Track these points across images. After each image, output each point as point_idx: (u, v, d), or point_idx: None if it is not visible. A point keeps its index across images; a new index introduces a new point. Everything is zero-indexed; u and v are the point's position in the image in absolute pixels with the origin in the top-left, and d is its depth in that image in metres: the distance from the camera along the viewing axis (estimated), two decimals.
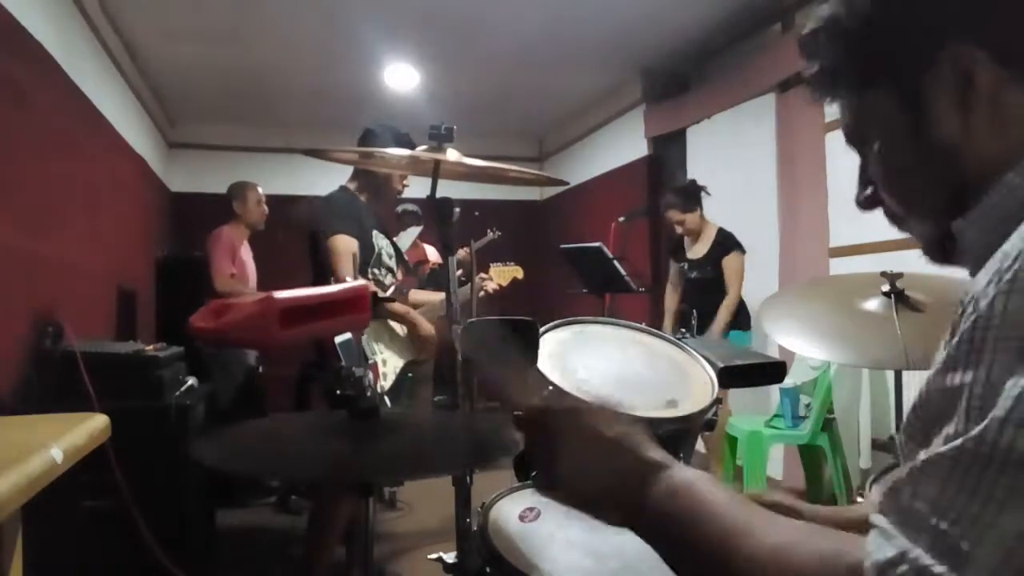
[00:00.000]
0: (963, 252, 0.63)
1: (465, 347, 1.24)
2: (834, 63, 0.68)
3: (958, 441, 0.46)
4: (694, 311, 3.49)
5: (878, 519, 0.49)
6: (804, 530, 0.55)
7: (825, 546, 0.51)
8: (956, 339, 0.50)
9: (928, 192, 0.65)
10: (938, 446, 0.48)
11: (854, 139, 0.71)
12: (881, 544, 0.47)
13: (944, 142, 0.62)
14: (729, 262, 3.72)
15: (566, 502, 0.68)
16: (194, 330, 0.99)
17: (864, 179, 0.73)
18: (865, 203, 0.73)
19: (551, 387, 1.27)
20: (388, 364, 2.59)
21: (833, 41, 0.68)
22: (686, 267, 3.93)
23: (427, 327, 2.64)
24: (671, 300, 4.06)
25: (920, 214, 0.68)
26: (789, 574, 0.51)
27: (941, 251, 0.67)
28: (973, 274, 0.59)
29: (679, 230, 3.88)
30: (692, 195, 3.84)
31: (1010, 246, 0.51)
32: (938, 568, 0.44)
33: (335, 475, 1.13)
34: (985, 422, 0.45)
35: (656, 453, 0.64)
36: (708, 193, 3.87)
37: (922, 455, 0.48)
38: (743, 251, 3.76)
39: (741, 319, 3.72)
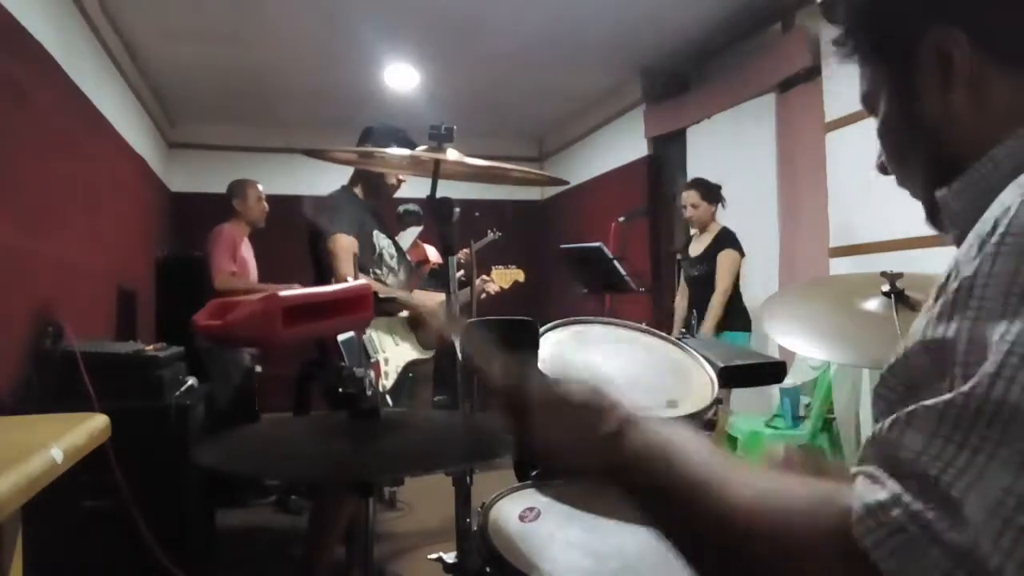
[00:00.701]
0: (948, 222, 0.66)
1: (464, 347, 1.24)
2: (848, 30, 0.72)
3: (947, 396, 0.46)
4: (694, 311, 3.49)
5: (864, 468, 0.49)
6: (790, 478, 0.54)
7: (814, 491, 0.51)
8: (940, 300, 0.50)
9: (916, 163, 0.69)
10: (919, 399, 0.47)
11: (866, 103, 0.74)
12: (871, 487, 0.46)
13: (927, 118, 0.65)
14: (722, 258, 3.71)
15: (542, 459, 0.70)
16: (197, 328, 0.99)
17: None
18: (880, 168, 0.76)
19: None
20: (391, 363, 2.59)
21: (846, 9, 0.72)
22: (688, 265, 3.93)
23: (429, 308, 2.63)
24: (680, 301, 4.06)
25: (912, 185, 0.72)
26: (777, 517, 0.50)
27: (935, 220, 0.70)
28: (958, 245, 0.60)
29: (688, 213, 3.87)
30: (713, 190, 3.85)
31: (990, 213, 0.52)
32: (930, 513, 0.43)
33: (335, 475, 1.13)
34: (976, 378, 0.45)
35: (627, 411, 0.65)
36: (724, 205, 3.89)
37: (903, 410, 0.48)
38: (740, 251, 3.75)
39: (738, 321, 3.70)
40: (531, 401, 0.68)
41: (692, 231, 4.00)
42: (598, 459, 0.63)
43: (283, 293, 0.99)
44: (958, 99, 0.62)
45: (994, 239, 0.49)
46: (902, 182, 0.73)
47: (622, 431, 0.62)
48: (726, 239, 3.77)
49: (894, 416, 0.48)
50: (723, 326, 3.67)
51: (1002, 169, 0.59)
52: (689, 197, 3.86)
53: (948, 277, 0.51)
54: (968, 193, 0.62)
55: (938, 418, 0.46)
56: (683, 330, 2.52)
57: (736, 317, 3.71)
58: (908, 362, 0.52)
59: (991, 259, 0.48)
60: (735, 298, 3.74)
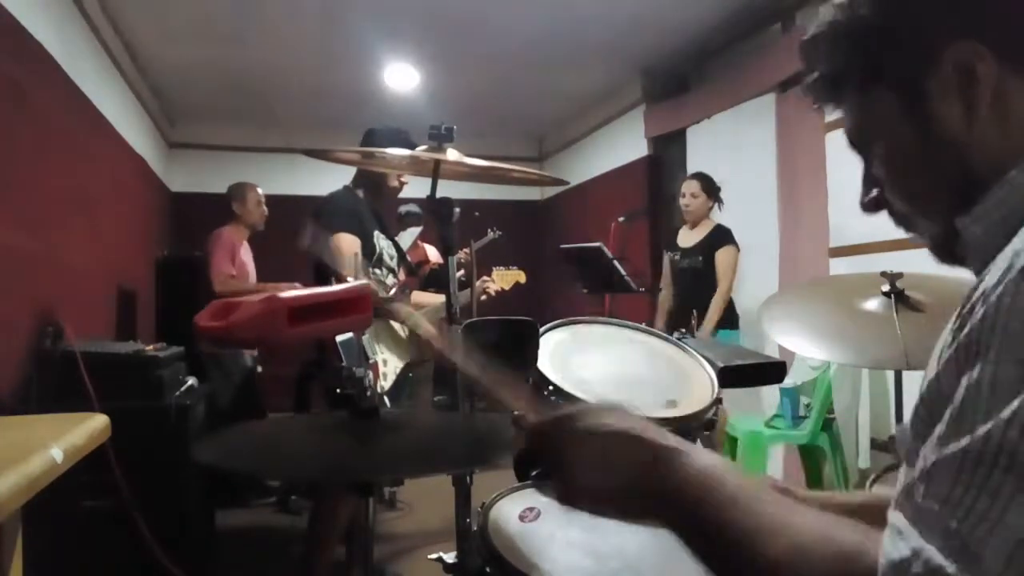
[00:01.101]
0: (968, 249, 0.63)
1: (464, 348, 1.24)
2: (836, 68, 0.69)
3: (965, 440, 0.46)
4: (694, 310, 3.48)
5: (895, 516, 0.49)
6: (826, 525, 0.55)
7: (846, 544, 0.51)
8: (965, 333, 0.50)
9: (934, 190, 0.66)
10: (945, 443, 0.48)
11: (857, 141, 0.72)
12: (896, 542, 0.47)
13: (948, 139, 0.62)
14: (722, 255, 3.70)
15: (588, 507, 0.68)
16: (199, 329, 0.99)
17: (868, 181, 0.73)
18: (870, 205, 0.73)
19: (551, 387, 1.27)
20: (388, 364, 2.59)
21: (834, 45, 0.68)
22: (677, 256, 3.91)
23: (428, 329, 2.64)
24: (665, 298, 4.05)
25: (926, 213, 0.68)
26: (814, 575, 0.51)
27: (948, 250, 0.67)
28: (978, 272, 0.59)
29: (685, 202, 3.85)
30: (714, 186, 3.85)
31: (1020, 242, 0.51)
32: (950, 568, 0.44)
33: (335, 475, 1.13)
34: (991, 422, 0.45)
35: (669, 439, 0.64)
36: (720, 208, 3.88)
37: (932, 455, 0.48)
38: (737, 247, 3.74)
39: (729, 318, 3.70)
40: (570, 434, 0.67)
41: (684, 224, 3.96)
42: (637, 499, 0.63)
43: (285, 294, 0.99)
44: (980, 117, 0.60)
45: (1012, 275, 0.48)
46: (910, 215, 0.69)
47: (658, 466, 0.62)
48: (724, 235, 3.76)
49: (921, 465, 0.49)
50: (718, 324, 3.67)
51: (1021, 193, 0.57)
52: (690, 186, 3.86)
53: (973, 306, 0.50)
54: (988, 219, 0.59)
55: (958, 467, 0.46)
56: (683, 330, 2.53)
57: (728, 314, 3.70)
58: (936, 397, 0.52)
59: (1011, 296, 0.48)
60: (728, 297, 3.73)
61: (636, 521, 0.66)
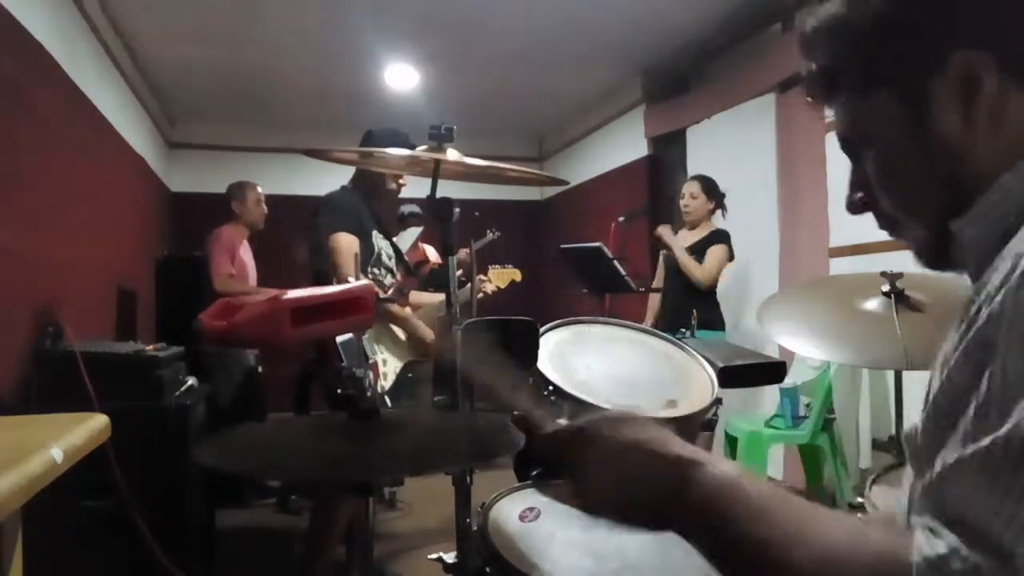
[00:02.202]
0: (961, 252, 0.64)
1: (464, 348, 1.24)
2: (835, 63, 0.68)
3: (987, 441, 0.46)
4: (694, 310, 3.47)
5: (922, 519, 0.50)
6: (856, 528, 0.55)
7: (880, 545, 0.51)
8: (973, 334, 0.50)
9: (925, 194, 0.66)
10: (962, 444, 0.48)
11: (850, 141, 0.72)
12: (931, 540, 0.47)
13: (945, 144, 0.62)
14: (714, 251, 3.65)
15: (608, 515, 0.67)
16: (203, 328, 0.99)
17: (856, 183, 0.74)
18: (855, 207, 0.74)
19: (551, 387, 1.27)
20: (388, 364, 2.60)
21: (836, 40, 0.68)
22: (666, 255, 3.87)
23: (426, 332, 2.64)
24: (655, 300, 3.99)
25: (918, 216, 0.68)
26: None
27: (935, 255, 0.68)
28: (972, 274, 0.60)
29: (684, 202, 3.80)
30: (715, 189, 3.80)
31: (1012, 246, 0.52)
32: (987, 564, 0.44)
33: (335, 475, 1.13)
34: (1010, 423, 0.45)
35: (689, 450, 0.64)
36: (724, 215, 3.85)
37: (953, 454, 0.49)
38: (730, 250, 3.68)
39: (712, 319, 3.63)
40: (589, 443, 0.67)
41: (684, 226, 3.90)
42: (660, 511, 0.63)
43: (288, 294, 0.99)
44: (978, 125, 0.61)
45: (1016, 274, 0.49)
46: (900, 218, 0.70)
47: (685, 479, 0.61)
48: (719, 236, 3.71)
49: (940, 469, 0.49)
50: (701, 325, 3.60)
51: (1012, 196, 0.58)
52: (690, 187, 3.81)
53: (979, 307, 0.51)
54: (982, 221, 0.61)
55: (980, 467, 0.46)
56: (683, 330, 2.52)
57: (713, 316, 3.65)
58: (946, 399, 0.52)
59: (1015, 293, 0.48)
60: (711, 297, 3.67)
61: (660, 531, 0.65)
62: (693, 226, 3.81)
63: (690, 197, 3.79)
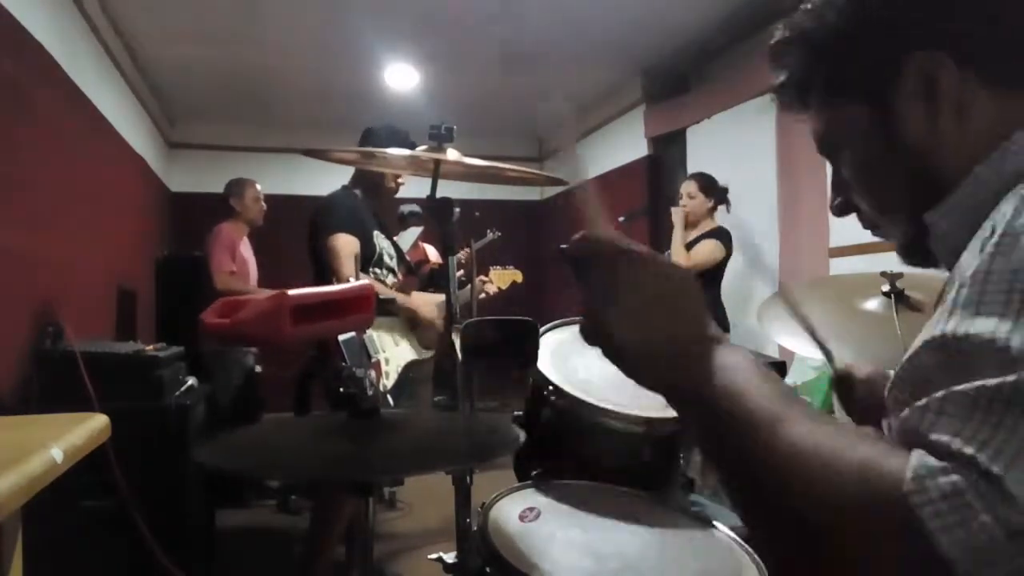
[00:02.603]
0: (937, 244, 0.66)
1: (464, 347, 1.24)
2: (802, 74, 0.71)
3: (978, 382, 0.47)
4: None
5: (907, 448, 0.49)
6: (851, 432, 0.53)
7: (873, 449, 0.50)
8: (944, 305, 0.52)
9: (900, 192, 0.69)
10: (957, 380, 0.48)
11: (825, 147, 0.74)
12: (924, 456, 0.47)
13: (913, 143, 0.65)
14: (703, 244, 3.62)
15: (605, 344, 0.61)
16: (206, 327, 0.99)
17: (836, 185, 0.76)
18: (838, 209, 0.76)
19: (551, 387, 1.27)
20: (391, 363, 2.60)
21: (801, 52, 0.71)
22: (668, 254, 3.86)
23: (428, 312, 2.63)
24: None
25: (893, 214, 0.71)
26: (831, 470, 0.49)
27: (916, 251, 0.71)
28: (948, 266, 0.62)
29: (683, 202, 3.78)
30: (713, 186, 3.76)
31: (989, 221, 0.54)
32: (979, 484, 0.44)
33: (335, 475, 1.13)
34: (1003, 368, 0.46)
35: (712, 324, 0.61)
36: (728, 209, 3.82)
37: (935, 395, 0.49)
38: (727, 249, 3.63)
39: (720, 322, 3.57)
40: (634, 268, 0.60)
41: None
42: (678, 372, 0.58)
43: (291, 292, 0.99)
44: (943, 122, 0.63)
45: (993, 240, 0.51)
46: (879, 219, 0.72)
47: (710, 345, 0.59)
48: (715, 234, 3.67)
49: (923, 402, 0.49)
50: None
51: (987, 186, 0.60)
52: (687, 187, 3.79)
53: (950, 284, 0.53)
54: (955, 213, 0.63)
55: (971, 402, 0.46)
56: None
57: (719, 320, 3.63)
58: (915, 363, 0.53)
59: (990, 258, 0.50)
60: (716, 298, 3.63)
61: (645, 384, 0.61)
62: (694, 224, 3.79)
63: (687, 197, 3.78)
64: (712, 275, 3.62)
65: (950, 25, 0.63)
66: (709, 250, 3.62)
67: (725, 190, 3.82)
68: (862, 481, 0.48)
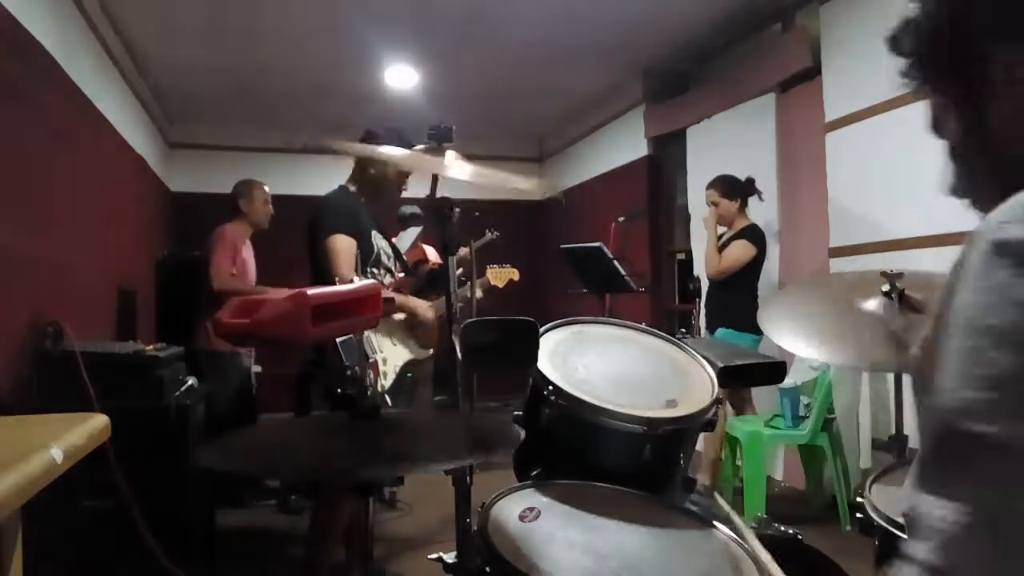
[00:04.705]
0: None
1: (464, 347, 1.24)
2: (916, 60, 0.76)
3: (923, 447, 0.52)
4: (693, 310, 3.47)
5: (909, 542, 0.54)
6: None
7: None
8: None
9: (988, 182, 0.72)
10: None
11: (936, 129, 0.77)
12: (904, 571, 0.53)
13: (997, 138, 0.68)
14: (732, 246, 3.64)
15: None
16: (224, 326, 0.99)
17: (951, 165, 0.80)
18: (952, 191, 0.79)
19: (551, 387, 1.27)
20: (389, 363, 2.59)
21: (912, 37, 0.75)
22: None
23: (425, 311, 2.63)
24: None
25: (985, 204, 0.73)
26: None
27: None
28: None
29: (711, 210, 3.80)
30: (736, 186, 3.77)
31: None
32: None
33: (335, 475, 1.13)
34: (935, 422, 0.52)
35: None
36: (761, 198, 3.82)
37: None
38: (758, 248, 3.63)
39: (740, 320, 3.52)
40: None
41: (721, 229, 3.85)
42: None
43: (310, 291, 1.00)
44: None
45: (958, 271, 0.55)
46: (973, 202, 0.76)
47: None
48: (744, 233, 3.67)
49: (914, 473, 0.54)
50: (734, 325, 3.56)
51: None
52: (710, 195, 3.80)
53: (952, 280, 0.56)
54: None
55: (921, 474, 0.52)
56: (683, 330, 2.51)
57: (748, 318, 3.59)
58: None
59: (955, 292, 0.54)
60: (747, 297, 3.61)
61: None
62: (729, 224, 3.80)
63: (713, 206, 3.79)
64: (746, 274, 3.64)
65: None
66: (738, 252, 3.64)
67: (749, 183, 3.81)
68: None
